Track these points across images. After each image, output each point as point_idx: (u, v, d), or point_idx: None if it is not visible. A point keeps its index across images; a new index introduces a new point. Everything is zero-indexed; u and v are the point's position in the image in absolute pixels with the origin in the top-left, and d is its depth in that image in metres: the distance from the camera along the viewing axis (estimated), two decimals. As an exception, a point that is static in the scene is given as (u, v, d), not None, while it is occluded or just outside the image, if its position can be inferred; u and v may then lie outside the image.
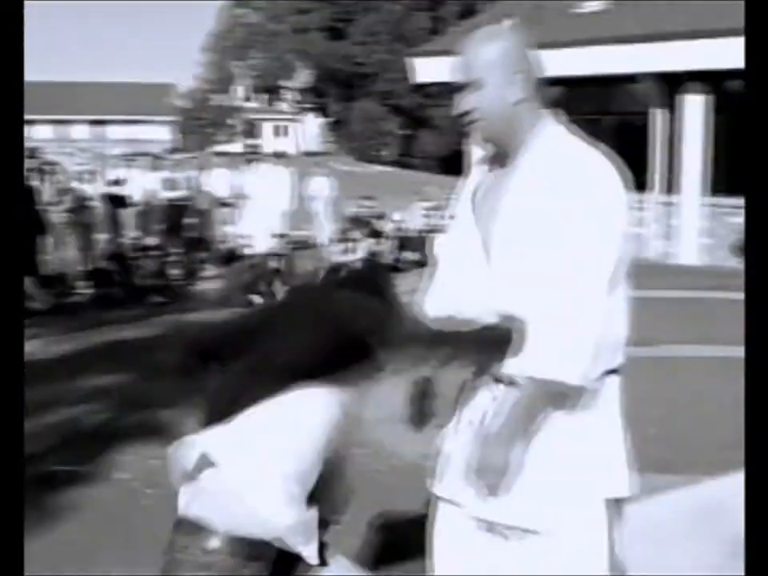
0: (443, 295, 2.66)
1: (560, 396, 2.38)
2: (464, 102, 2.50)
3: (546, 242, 2.37)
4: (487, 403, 2.50)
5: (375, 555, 4.23)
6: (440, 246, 2.82)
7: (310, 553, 2.36)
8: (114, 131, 66.61)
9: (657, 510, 4.52)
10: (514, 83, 2.47)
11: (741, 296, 10.28)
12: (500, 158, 2.58)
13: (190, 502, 2.36)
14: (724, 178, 16.38)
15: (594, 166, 2.43)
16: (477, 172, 2.71)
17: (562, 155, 2.45)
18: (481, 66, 2.46)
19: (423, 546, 2.73)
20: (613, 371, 2.49)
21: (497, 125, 2.49)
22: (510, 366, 2.38)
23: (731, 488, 5.16)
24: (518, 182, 2.47)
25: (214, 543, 2.29)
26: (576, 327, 2.31)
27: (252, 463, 2.33)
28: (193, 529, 2.32)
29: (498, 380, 2.47)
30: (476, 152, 2.63)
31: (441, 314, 2.60)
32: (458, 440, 2.59)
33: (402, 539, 4.45)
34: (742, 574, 3.22)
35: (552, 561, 2.45)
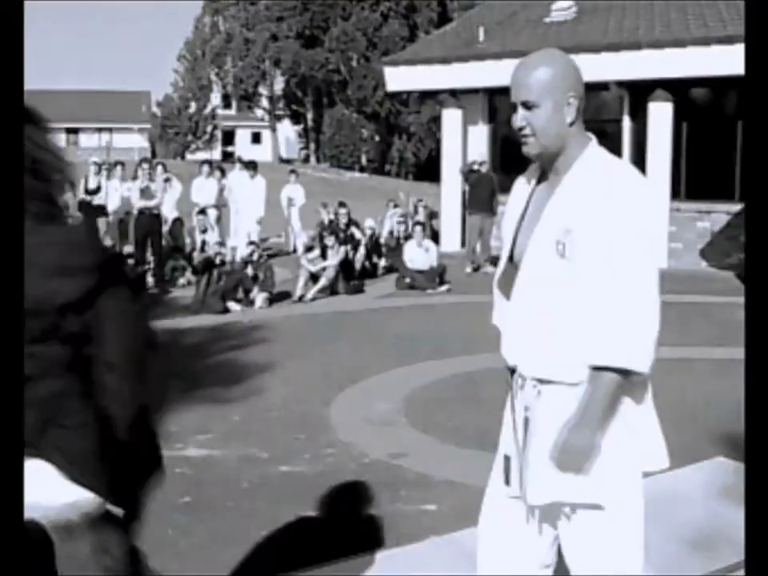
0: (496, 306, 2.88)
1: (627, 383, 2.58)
2: (519, 119, 2.63)
3: (594, 250, 2.54)
4: (532, 400, 2.66)
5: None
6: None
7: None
8: (88, 139, 66.39)
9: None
10: (569, 105, 2.62)
11: (709, 299, 10.46)
12: (546, 174, 2.73)
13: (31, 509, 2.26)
14: (690, 183, 16.68)
15: (636, 184, 2.63)
16: (522, 187, 2.85)
17: (608, 174, 2.62)
18: (537, 88, 2.59)
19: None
20: None
21: (550, 143, 2.63)
22: (595, 358, 2.54)
23: (683, 480, 5.36)
24: (568, 195, 2.62)
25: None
26: (648, 324, 2.57)
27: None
28: (64, 529, 2.26)
29: (540, 380, 2.64)
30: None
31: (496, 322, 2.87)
32: (516, 440, 2.73)
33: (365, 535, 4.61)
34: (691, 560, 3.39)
35: (595, 534, 2.65)
